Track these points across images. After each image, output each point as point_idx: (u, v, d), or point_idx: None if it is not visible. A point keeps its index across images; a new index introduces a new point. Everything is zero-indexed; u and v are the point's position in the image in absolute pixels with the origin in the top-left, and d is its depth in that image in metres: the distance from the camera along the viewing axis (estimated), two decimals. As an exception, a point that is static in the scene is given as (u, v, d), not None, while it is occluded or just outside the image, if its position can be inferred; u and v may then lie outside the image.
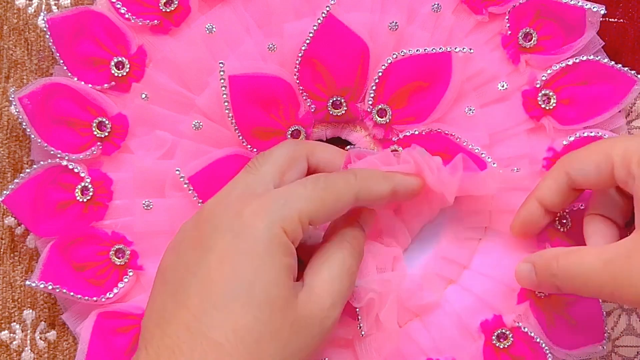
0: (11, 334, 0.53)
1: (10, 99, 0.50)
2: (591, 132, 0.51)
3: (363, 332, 0.48)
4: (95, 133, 0.52)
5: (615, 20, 0.54)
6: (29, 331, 0.53)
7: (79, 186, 0.51)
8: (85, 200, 0.51)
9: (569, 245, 0.49)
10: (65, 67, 0.52)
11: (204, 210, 0.43)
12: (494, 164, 0.50)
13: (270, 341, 0.39)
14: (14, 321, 0.52)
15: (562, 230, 0.51)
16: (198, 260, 0.41)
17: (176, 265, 0.42)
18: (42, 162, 0.51)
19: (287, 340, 0.40)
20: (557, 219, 0.51)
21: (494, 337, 0.50)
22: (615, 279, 0.41)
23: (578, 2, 0.51)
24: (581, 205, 0.51)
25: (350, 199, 0.44)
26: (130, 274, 0.51)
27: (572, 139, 0.52)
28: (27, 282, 0.49)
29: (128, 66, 0.52)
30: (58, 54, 0.52)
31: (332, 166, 0.47)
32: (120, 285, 0.51)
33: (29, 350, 0.53)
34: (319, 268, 0.44)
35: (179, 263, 0.42)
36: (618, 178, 0.43)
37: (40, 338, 0.53)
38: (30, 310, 0.53)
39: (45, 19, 0.51)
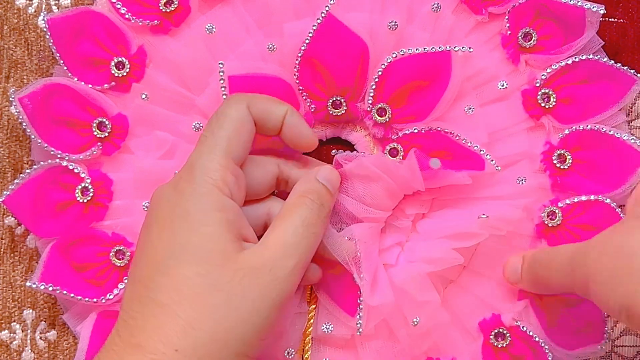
0: (11, 334, 0.53)
1: (11, 99, 0.50)
2: (587, 126, 0.51)
3: (360, 330, 0.49)
4: (95, 133, 0.52)
5: (615, 20, 0.54)
6: (29, 331, 0.53)
7: (79, 187, 0.51)
8: (85, 200, 0.51)
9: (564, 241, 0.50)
10: (65, 68, 0.52)
11: (153, 193, 0.45)
12: (492, 161, 0.51)
13: (213, 292, 0.40)
14: (14, 321, 0.53)
15: (550, 225, 0.51)
16: (145, 237, 0.42)
17: (135, 253, 0.44)
18: (42, 163, 0.51)
19: (231, 290, 0.40)
20: (545, 213, 0.51)
21: (491, 337, 0.50)
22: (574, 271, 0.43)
23: (578, 2, 0.51)
24: (575, 199, 0.51)
25: (243, 108, 0.45)
26: (131, 274, 0.51)
27: (567, 132, 0.52)
28: (28, 283, 0.49)
29: (128, 66, 0.52)
30: (58, 54, 0.52)
31: (269, 114, 0.47)
32: (120, 286, 0.51)
33: (29, 350, 0.53)
34: (274, 224, 0.44)
35: (136, 250, 0.44)
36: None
37: (41, 338, 0.53)
38: (31, 310, 0.53)
39: (45, 19, 0.51)
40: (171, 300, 0.40)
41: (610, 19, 0.54)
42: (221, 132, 0.44)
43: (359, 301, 0.49)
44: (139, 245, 0.43)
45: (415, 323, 0.49)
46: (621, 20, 0.54)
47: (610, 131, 0.51)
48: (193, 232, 0.41)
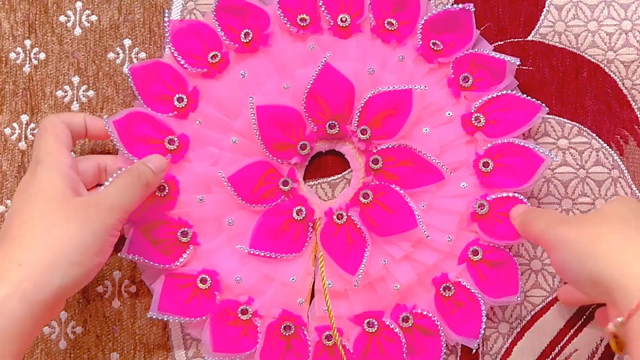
0: (50, 328, 0.61)
1: (105, 122, 0.56)
2: (504, 140, 0.57)
3: (357, 284, 0.56)
4: (167, 147, 0.58)
5: (526, 67, 0.62)
6: (62, 326, 0.60)
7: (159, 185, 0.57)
8: (162, 195, 0.58)
9: (490, 224, 0.57)
10: (142, 101, 0.59)
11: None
12: (446, 169, 0.57)
13: (56, 227, 0.46)
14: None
15: (480, 213, 0.58)
16: (8, 217, 0.49)
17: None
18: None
19: (74, 219, 0.46)
20: (477, 205, 0.57)
21: (441, 289, 0.58)
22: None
23: (501, 56, 0.59)
24: (498, 195, 0.57)
25: (57, 121, 0.53)
26: (191, 248, 0.58)
27: (489, 145, 0.58)
28: (119, 254, 0.56)
29: (186, 100, 0.59)
30: (137, 92, 0.59)
31: (73, 120, 0.55)
32: (184, 255, 0.58)
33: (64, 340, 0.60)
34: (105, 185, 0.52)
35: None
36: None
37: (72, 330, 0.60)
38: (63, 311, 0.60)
39: (128, 68, 0.59)
40: (20, 230, 0.45)
41: (522, 67, 0.61)
42: (47, 134, 0.52)
43: (362, 265, 0.55)
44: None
45: (397, 288, 0.56)
46: (530, 68, 0.62)
47: (521, 142, 0.57)
48: (37, 185, 0.47)
